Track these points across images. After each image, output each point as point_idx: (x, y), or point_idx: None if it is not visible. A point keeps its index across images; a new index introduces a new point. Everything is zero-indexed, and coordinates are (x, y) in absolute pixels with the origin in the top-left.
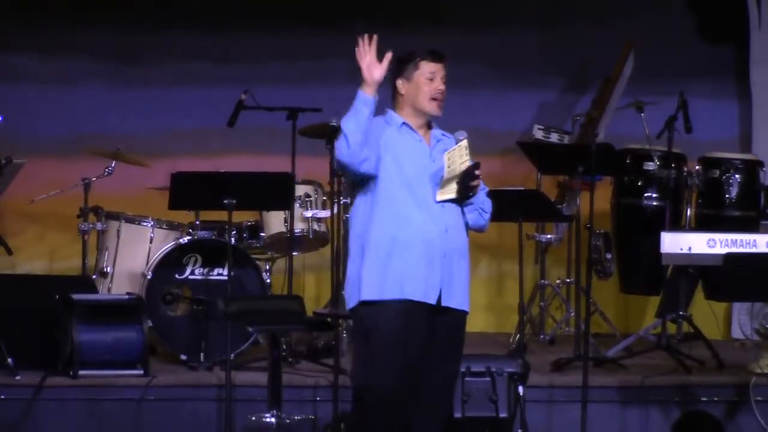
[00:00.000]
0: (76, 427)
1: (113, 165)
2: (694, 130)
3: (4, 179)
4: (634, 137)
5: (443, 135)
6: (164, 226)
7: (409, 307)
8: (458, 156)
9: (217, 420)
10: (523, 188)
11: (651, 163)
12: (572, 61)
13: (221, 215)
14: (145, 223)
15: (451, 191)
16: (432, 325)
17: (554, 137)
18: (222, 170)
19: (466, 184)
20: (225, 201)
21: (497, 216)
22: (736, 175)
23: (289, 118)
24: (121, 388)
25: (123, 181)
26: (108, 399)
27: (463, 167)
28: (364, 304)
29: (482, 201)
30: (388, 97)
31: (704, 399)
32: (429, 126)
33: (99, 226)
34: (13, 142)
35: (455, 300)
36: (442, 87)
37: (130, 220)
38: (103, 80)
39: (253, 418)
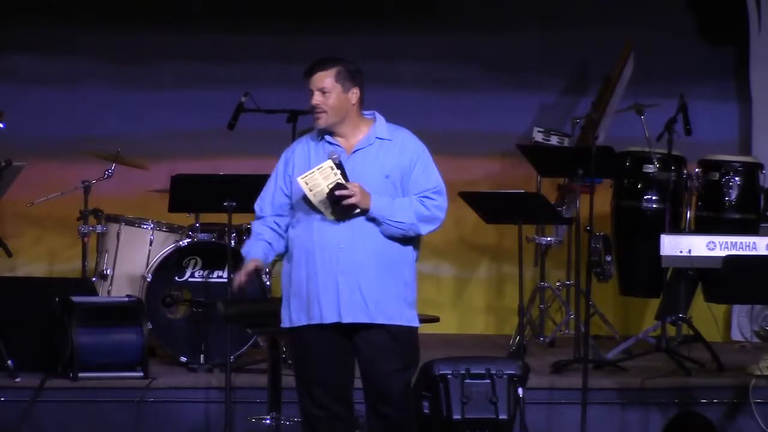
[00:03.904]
0: (75, 429)
1: (113, 167)
2: (694, 132)
3: (4, 182)
4: (634, 139)
5: (378, 138)
6: (164, 229)
7: (314, 331)
8: (322, 178)
9: (217, 422)
10: (523, 191)
11: (651, 166)
12: (572, 62)
13: (221, 218)
14: (145, 226)
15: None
16: (356, 343)
17: (554, 140)
18: (222, 172)
19: (336, 206)
20: (225, 203)
21: (497, 218)
22: (736, 178)
23: (289, 120)
24: (120, 390)
25: (123, 184)
26: (108, 401)
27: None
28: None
29: (389, 213)
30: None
31: (704, 401)
32: (360, 129)
33: (99, 228)
34: (12, 144)
35: (360, 315)
36: (316, 101)
37: (130, 223)
38: (103, 81)
39: (253, 420)
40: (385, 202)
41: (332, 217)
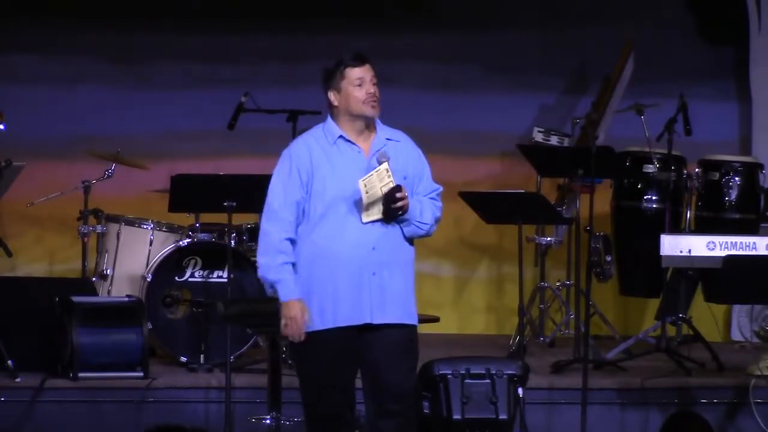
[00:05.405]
0: (76, 429)
1: (113, 167)
2: (694, 132)
3: (4, 182)
4: (634, 140)
5: (388, 139)
6: (164, 229)
7: (335, 335)
8: (378, 180)
9: (217, 422)
10: (523, 191)
11: (651, 166)
12: (572, 62)
13: (221, 218)
14: (145, 226)
15: (376, 213)
16: (368, 342)
17: (554, 140)
18: (222, 172)
19: (390, 207)
20: (225, 203)
21: (497, 218)
22: (736, 178)
23: (289, 120)
24: (120, 390)
25: (123, 184)
26: (108, 401)
27: (385, 190)
28: None
29: (418, 214)
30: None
31: (704, 401)
32: (372, 129)
33: (99, 228)
34: (12, 144)
35: (389, 315)
36: (372, 90)
37: (130, 223)
38: (103, 81)
39: (253, 420)
40: (413, 203)
41: (372, 218)
